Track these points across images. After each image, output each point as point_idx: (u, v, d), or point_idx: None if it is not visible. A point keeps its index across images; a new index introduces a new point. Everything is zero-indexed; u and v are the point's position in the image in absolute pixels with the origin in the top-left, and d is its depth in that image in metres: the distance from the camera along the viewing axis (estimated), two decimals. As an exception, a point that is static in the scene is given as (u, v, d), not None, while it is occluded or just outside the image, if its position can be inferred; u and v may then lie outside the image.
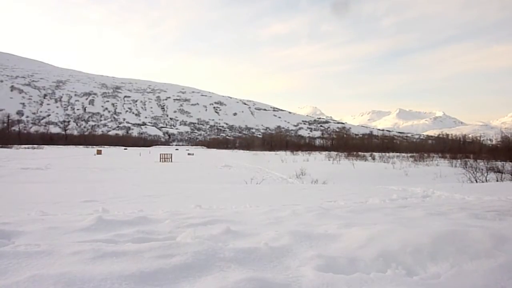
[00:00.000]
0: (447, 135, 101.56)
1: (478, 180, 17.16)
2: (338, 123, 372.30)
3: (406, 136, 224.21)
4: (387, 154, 51.44)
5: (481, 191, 9.65)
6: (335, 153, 52.60)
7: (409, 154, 48.66)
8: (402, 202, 7.25)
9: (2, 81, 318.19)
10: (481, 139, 72.82)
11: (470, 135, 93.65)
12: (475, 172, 18.39)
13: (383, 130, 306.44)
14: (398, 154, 54.02)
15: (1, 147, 65.38)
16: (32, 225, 4.08)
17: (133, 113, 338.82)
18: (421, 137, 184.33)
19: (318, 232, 3.55)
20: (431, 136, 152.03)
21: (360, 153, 49.44)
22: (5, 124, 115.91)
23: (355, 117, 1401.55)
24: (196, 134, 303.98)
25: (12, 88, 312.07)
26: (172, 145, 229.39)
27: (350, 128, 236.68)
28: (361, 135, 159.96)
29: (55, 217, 4.91)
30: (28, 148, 67.50)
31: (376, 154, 47.13)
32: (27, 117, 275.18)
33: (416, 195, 9.19)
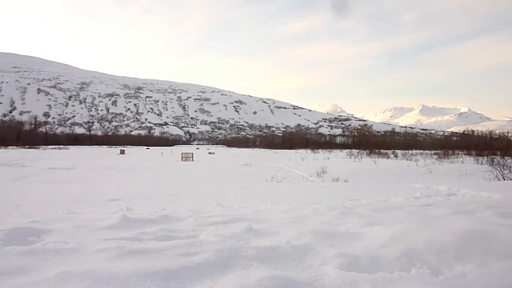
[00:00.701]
0: (473, 131, 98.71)
1: (505, 178, 16.64)
2: (359, 120, 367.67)
3: (430, 133, 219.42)
4: (410, 151, 50.51)
5: (509, 189, 9.35)
6: (357, 150, 52.00)
7: (433, 151, 47.69)
8: (426, 201, 7.11)
9: (29, 84, 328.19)
10: (509, 135, 70.42)
11: (497, 131, 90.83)
12: (502, 169, 17.81)
13: (405, 127, 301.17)
14: (421, 151, 52.96)
15: (29, 147, 67.49)
16: (60, 223, 4.22)
17: (154, 113, 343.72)
18: (445, 134, 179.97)
19: (340, 231, 3.53)
20: (456, 133, 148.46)
21: (382, 150, 48.76)
22: (33, 126, 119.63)
23: (376, 114, 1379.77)
24: (217, 133, 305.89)
25: (39, 90, 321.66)
26: (193, 144, 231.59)
27: (371, 125, 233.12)
28: (383, 133, 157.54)
29: (81, 216, 5.04)
30: (55, 148, 69.53)
31: (399, 152, 46.37)
32: (53, 118, 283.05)
33: (440, 193, 8.99)
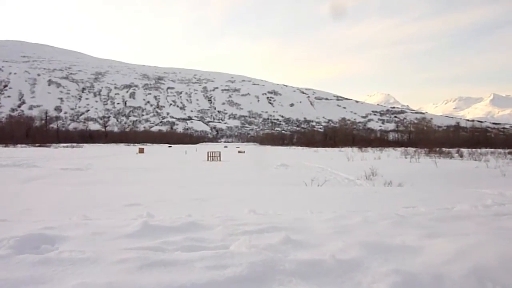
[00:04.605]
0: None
1: None
2: (416, 113, 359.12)
3: (503, 128, 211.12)
4: (479, 150, 48.85)
5: None
6: (413, 149, 50.79)
7: (507, 150, 45.86)
8: (499, 209, 6.87)
9: (39, 75, 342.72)
10: None
11: None
12: None
13: (473, 120, 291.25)
14: (492, 150, 51.10)
15: (40, 146, 70.41)
16: (75, 230, 4.39)
17: (177, 106, 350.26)
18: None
19: (394, 244, 3.51)
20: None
21: (444, 149, 47.41)
22: (43, 122, 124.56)
23: (437, 105, 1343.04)
24: (247, 129, 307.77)
25: (50, 82, 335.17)
26: (221, 141, 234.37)
27: (431, 118, 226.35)
28: (445, 127, 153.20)
29: (98, 222, 5.22)
30: (67, 147, 72.07)
31: (464, 150, 44.98)
32: (65, 113, 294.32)
33: (517, 201, 8.65)
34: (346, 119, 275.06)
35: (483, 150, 50.58)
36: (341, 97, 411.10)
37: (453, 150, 45.11)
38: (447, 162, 28.34)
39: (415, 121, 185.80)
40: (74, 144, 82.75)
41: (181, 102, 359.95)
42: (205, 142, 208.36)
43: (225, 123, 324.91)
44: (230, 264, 2.82)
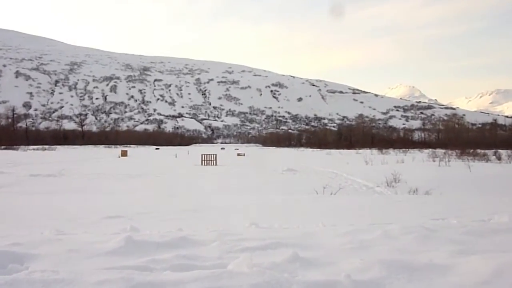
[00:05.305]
0: None
1: None
2: (446, 108, 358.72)
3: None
4: (521, 151, 48.71)
5: None
6: (443, 151, 50.66)
7: (555, 152, 45.74)
8: (545, 221, 6.85)
9: (5, 66, 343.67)
10: None
11: None
12: None
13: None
14: (537, 151, 50.91)
15: (6, 148, 70.39)
16: (47, 247, 4.41)
17: (166, 101, 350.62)
18: None
19: (420, 262, 3.51)
20: None
21: (479, 150, 47.32)
22: (10, 120, 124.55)
23: (470, 99, 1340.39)
24: (248, 127, 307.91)
25: (17, 74, 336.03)
26: (217, 142, 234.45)
27: (463, 115, 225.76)
28: (480, 125, 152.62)
29: (74, 237, 5.24)
30: (38, 149, 72.15)
31: (503, 152, 44.88)
32: (36, 110, 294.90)
33: None
34: (363, 116, 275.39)
35: (526, 151, 50.46)
36: (358, 90, 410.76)
37: (490, 152, 45.03)
38: (483, 166, 28.30)
39: (445, 118, 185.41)
40: (46, 146, 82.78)
41: (170, 97, 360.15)
42: (199, 143, 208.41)
43: (222, 121, 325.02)
44: (228, 286, 2.83)
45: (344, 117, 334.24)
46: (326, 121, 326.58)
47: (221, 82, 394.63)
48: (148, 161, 41.93)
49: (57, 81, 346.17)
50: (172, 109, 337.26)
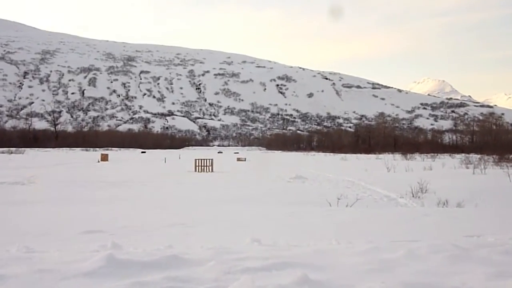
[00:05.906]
0: None
1: None
2: (481, 106, 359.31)
3: None
4: None
5: None
6: (477, 156, 50.75)
7: None
8: None
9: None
10: None
11: None
12: None
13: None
14: None
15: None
16: (15, 267, 4.35)
17: (153, 97, 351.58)
18: None
19: (451, 286, 3.58)
20: None
21: (520, 155, 47.32)
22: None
23: (511, 96, 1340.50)
24: (250, 128, 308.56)
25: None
26: (213, 145, 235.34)
27: (502, 114, 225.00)
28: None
29: (46, 255, 5.19)
30: (3, 152, 72.27)
31: (549, 158, 44.86)
32: (1, 106, 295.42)
33: None
34: (385, 115, 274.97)
35: None
36: (378, 84, 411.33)
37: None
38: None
39: (480, 118, 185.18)
40: (13, 149, 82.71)
41: (159, 92, 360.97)
42: (192, 146, 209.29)
43: (219, 120, 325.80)
44: (226, 316, 2.76)
45: (362, 116, 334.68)
46: (341, 120, 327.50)
47: (219, 74, 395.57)
48: (132, 167, 42.06)
49: (26, 73, 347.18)
50: (161, 106, 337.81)
